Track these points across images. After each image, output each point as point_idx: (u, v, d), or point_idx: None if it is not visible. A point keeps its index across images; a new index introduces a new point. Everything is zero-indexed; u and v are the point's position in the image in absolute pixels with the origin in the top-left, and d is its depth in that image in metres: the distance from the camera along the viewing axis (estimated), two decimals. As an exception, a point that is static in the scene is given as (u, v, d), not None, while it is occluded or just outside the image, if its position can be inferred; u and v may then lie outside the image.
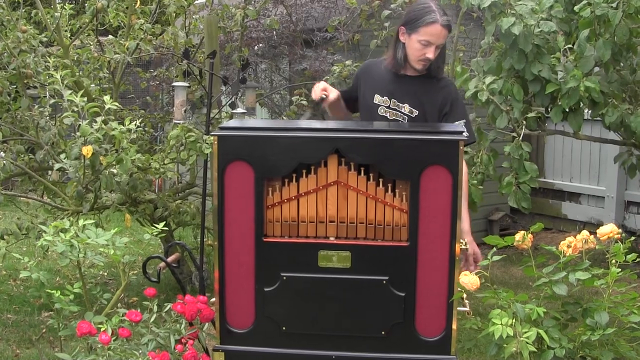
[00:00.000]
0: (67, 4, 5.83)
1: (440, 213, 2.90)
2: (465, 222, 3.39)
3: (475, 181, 4.22)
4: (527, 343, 2.79)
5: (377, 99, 3.63)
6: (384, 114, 3.61)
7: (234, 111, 5.05)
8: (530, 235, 3.14)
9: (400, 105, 3.59)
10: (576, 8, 4.02)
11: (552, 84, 4.04)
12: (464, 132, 2.98)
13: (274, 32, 6.90)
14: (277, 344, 3.04)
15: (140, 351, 3.01)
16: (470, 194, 4.17)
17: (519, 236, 3.13)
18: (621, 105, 4.17)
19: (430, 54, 3.51)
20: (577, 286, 3.04)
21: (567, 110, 4.17)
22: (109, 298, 3.53)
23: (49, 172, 5.78)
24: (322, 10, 7.01)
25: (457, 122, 3.54)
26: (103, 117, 4.16)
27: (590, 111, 4.31)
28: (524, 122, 4.24)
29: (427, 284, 2.94)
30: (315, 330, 3.02)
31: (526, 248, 3.14)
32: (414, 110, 3.58)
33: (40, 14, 5.63)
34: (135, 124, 4.22)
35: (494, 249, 3.07)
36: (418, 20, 3.51)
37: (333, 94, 3.60)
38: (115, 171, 4.36)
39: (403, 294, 2.94)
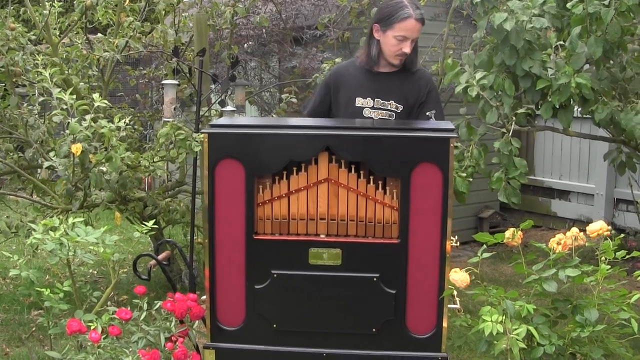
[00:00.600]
0: (56, 2, 5.79)
1: (430, 210, 2.91)
2: None
3: (465, 174, 4.22)
4: (517, 340, 2.80)
5: (360, 101, 3.62)
6: (370, 115, 3.60)
7: (223, 109, 5.04)
8: (520, 233, 3.15)
9: (386, 102, 3.59)
10: (568, 5, 4.03)
11: (542, 80, 4.04)
12: (454, 129, 2.99)
13: (264, 30, 6.89)
14: (268, 341, 3.05)
15: (131, 349, 3.00)
16: (456, 185, 4.18)
17: (508, 233, 3.14)
18: (611, 102, 4.18)
19: (407, 48, 3.57)
20: (567, 283, 3.05)
21: (557, 106, 4.17)
22: (98, 296, 3.52)
23: (38, 170, 5.75)
24: (312, 8, 7.01)
25: (429, 112, 3.58)
26: (92, 115, 4.14)
27: (580, 108, 4.32)
28: (514, 118, 4.25)
29: (417, 281, 2.95)
30: (306, 328, 3.02)
31: (516, 245, 3.14)
32: (399, 105, 3.59)
33: (28, 12, 5.60)
34: (124, 122, 4.21)
35: (484, 246, 3.07)
36: (392, 16, 3.56)
37: None
38: (104, 169, 4.34)
39: (394, 291, 2.95)
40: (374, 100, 3.59)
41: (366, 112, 3.59)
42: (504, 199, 4.21)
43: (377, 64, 3.65)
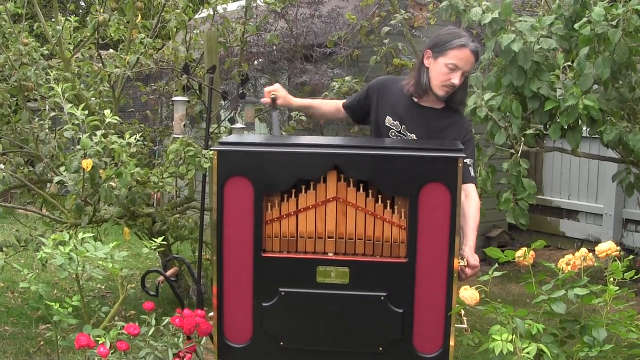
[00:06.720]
0: (72, 17, 5.83)
1: (438, 230, 2.91)
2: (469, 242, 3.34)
3: None
4: (528, 358, 2.79)
5: (389, 121, 3.53)
6: (394, 138, 3.57)
7: (233, 126, 5.06)
8: (532, 252, 3.14)
9: (408, 134, 3.53)
10: (576, 26, 4.04)
11: (551, 101, 4.06)
12: (462, 149, 2.99)
13: (274, 47, 6.92)
14: (274, 359, 3.04)
15: (138, 365, 3.02)
16: None
17: (520, 252, 3.14)
18: (619, 123, 4.19)
19: (456, 79, 3.41)
20: (575, 304, 3.04)
21: (566, 127, 4.18)
22: (106, 311, 3.53)
23: (47, 184, 5.78)
24: (322, 25, 7.04)
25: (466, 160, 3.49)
26: (103, 131, 4.17)
27: (588, 129, 4.33)
28: (522, 139, 4.26)
29: (425, 300, 2.95)
30: (313, 346, 3.02)
31: (527, 265, 3.14)
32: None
33: (42, 27, 5.65)
34: (135, 138, 4.23)
35: (496, 264, 3.07)
36: (447, 43, 3.41)
37: (282, 91, 3.73)
38: (114, 184, 4.36)
39: (401, 310, 2.94)
40: (401, 126, 3.53)
41: (391, 134, 3.54)
42: (512, 220, 4.22)
43: (426, 93, 3.52)
